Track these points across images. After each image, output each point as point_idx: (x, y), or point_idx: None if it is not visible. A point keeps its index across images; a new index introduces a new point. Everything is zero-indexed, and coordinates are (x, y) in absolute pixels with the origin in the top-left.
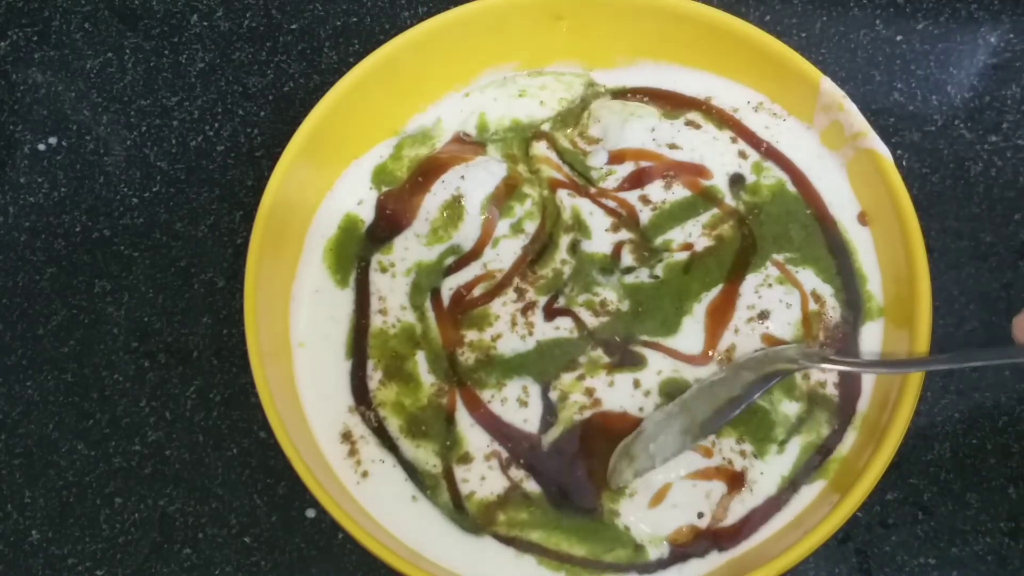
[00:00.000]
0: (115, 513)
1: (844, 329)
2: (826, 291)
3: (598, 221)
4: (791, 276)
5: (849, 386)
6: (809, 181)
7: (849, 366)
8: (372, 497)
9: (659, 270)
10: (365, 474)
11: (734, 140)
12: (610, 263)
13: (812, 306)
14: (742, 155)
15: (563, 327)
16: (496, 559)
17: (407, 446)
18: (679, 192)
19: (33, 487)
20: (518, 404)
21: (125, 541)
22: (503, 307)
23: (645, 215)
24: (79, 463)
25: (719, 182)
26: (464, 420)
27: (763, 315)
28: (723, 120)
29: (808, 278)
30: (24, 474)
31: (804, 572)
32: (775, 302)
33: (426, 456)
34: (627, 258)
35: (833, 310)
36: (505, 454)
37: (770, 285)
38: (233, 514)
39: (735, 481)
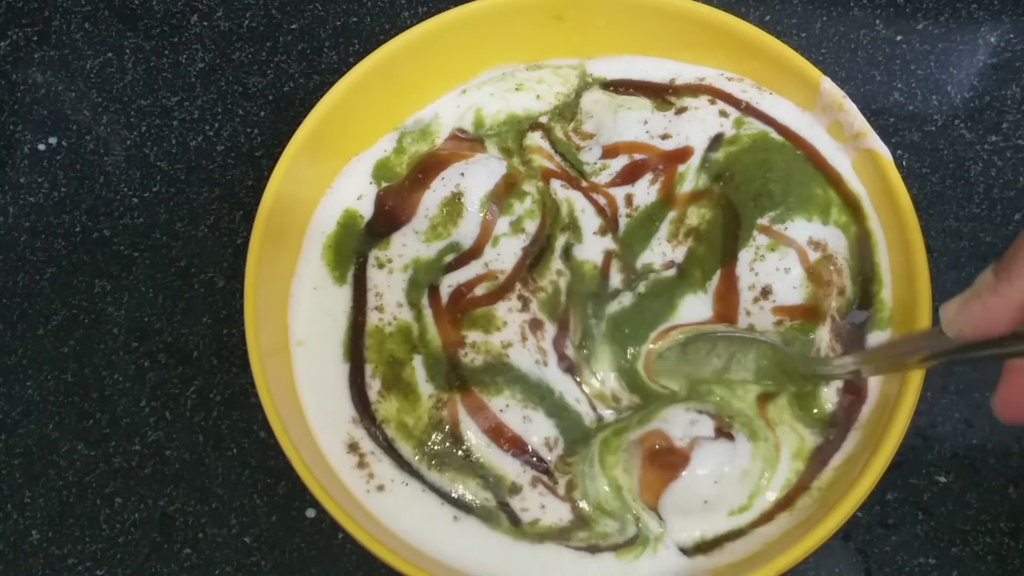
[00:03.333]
0: (115, 513)
1: (850, 329)
2: (825, 233)
3: (588, 220)
4: (781, 237)
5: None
6: (799, 135)
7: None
8: (394, 513)
9: (642, 287)
10: (381, 488)
11: (712, 101)
12: (600, 284)
13: (813, 256)
14: (723, 114)
15: (581, 401)
16: (564, 561)
17: (438, 479)
18: (652, 193)
19: (33, 487)
20: (546, 447)
21: (125, 541)
22: (508, 313)
23: (623, 222)
24: (79, 463)
25: (694, 160)
26: (476, 439)
27: (765, 291)
28: (706, 90)
29: (799, 230)
30: (24, 474)
31: (804, 572)
32: (772, 272)
33: (473, 490)
34: (615, 278)
35: (837, 253)
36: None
37: (762, 257)
38: (233, 514)
39: (723, 432)
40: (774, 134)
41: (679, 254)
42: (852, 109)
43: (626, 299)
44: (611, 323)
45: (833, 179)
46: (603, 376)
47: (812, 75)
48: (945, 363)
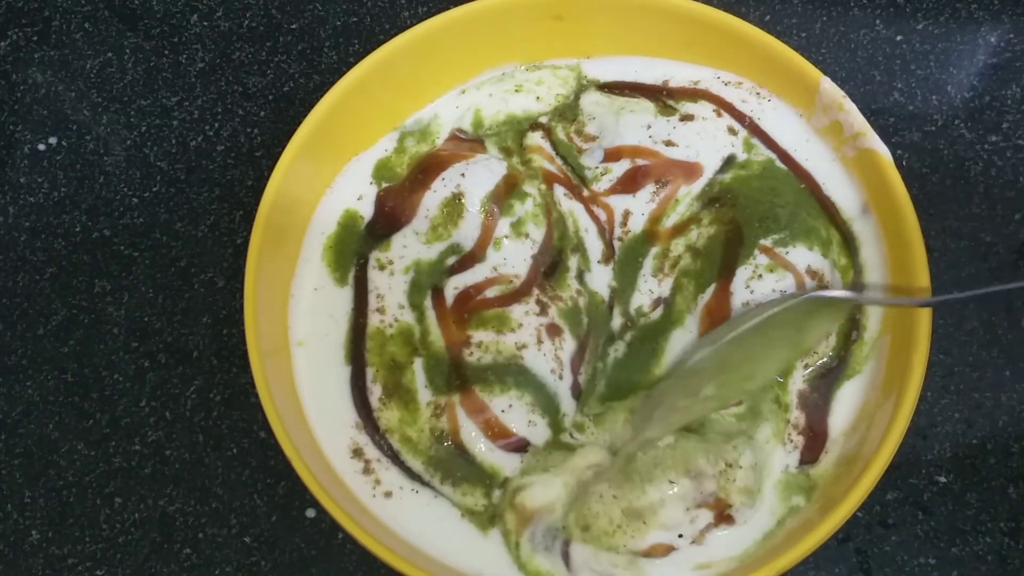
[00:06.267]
0: (115, 513)
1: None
2: (824, 265)
3: (592, 243)
4: (781, 259)
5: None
6: (798, 162)
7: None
8: (403, 518)
9: (630, 335)
10: (388, 494)
11: (719, 114)
12: (608, 321)
13: (809, 284)
14: (731, 131)
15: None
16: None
17: (450, 491)
18: (647, 214)
19: (33, 487)
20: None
21: (125, 541)
22: (525, 316)
23: (617, 245)
24: (79, 463)
25: (700, 183)
26: (481, 446)
27: None
28: (703, 95)
29: (800, 256)
30: (24, 474)
31: (804, 572)
32: (768, 293)
33: (478, 497)
34: (616, 320)
35: (831, 283)
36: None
37: (760, 276)
38: (233, 514)
39: (723, 517)
40: (778, 162)
41: (665, 288)
42: (852, 109)
43: (620, 348)
44: (610, 372)
45: (831, 214)
46: (592, 431)
47: (812, 75)
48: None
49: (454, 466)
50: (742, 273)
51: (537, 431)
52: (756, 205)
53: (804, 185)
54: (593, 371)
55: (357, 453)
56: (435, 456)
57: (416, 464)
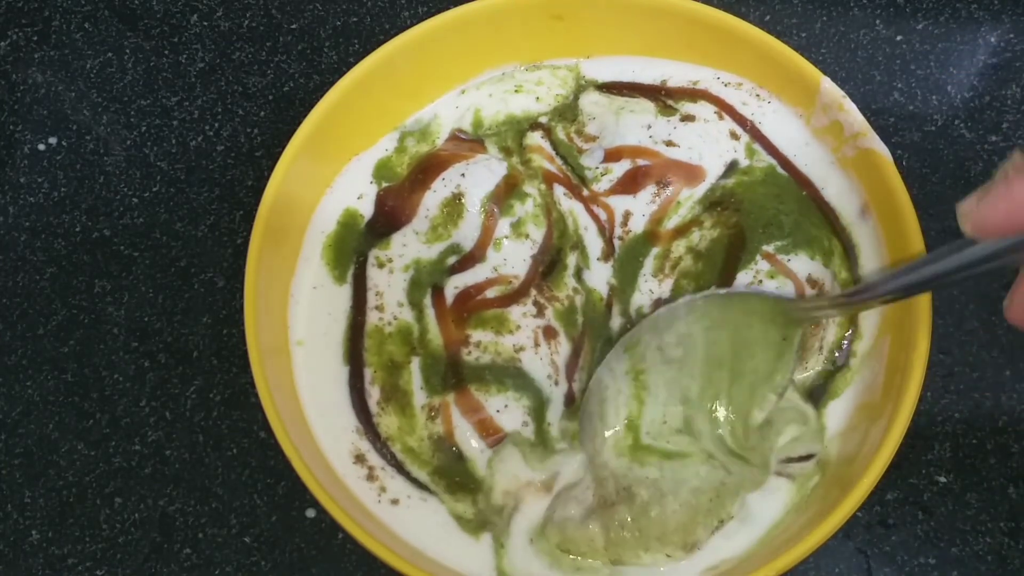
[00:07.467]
0: (115, 513)
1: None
2: (825, 275)
3: (592, 240)
4: (782, 267)
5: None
6: (798, 168)
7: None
8: (410, 525)
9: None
10: (395, 502)
11: (720, 116)
12: (606, 321)
13: (809, 293)
14: (734, 136)
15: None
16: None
17: (459, 506)
18: (647, 215)
19: (33, 487)
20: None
21: (125, 541)
22: (523, 317)
23: (617, 244)
24: (79, 463)
25: (703, 188)
26: (477, 445)
27: None
28: (703, 95)
29: (801, 265)
30: (24, 474)
31: (804, 572)
32: None
33: (464, 508)
34: (615, 320)
35: (831, 293)
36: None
37: (760, 282)
38: (233, 514)
39: None
40: (779, 169)
41: (665, 288)
42: (852, 109)
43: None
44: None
45: (832, 222)
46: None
47: (812, 75)
48: (935, 287)
49: (455, 472)
50: (742, 277)
51: (528, 431)
52: (760, 211)
53: (806, 193)
54: (589, 377)
55: (359, 459)
56: (438, 465)
57: (422, 475)
